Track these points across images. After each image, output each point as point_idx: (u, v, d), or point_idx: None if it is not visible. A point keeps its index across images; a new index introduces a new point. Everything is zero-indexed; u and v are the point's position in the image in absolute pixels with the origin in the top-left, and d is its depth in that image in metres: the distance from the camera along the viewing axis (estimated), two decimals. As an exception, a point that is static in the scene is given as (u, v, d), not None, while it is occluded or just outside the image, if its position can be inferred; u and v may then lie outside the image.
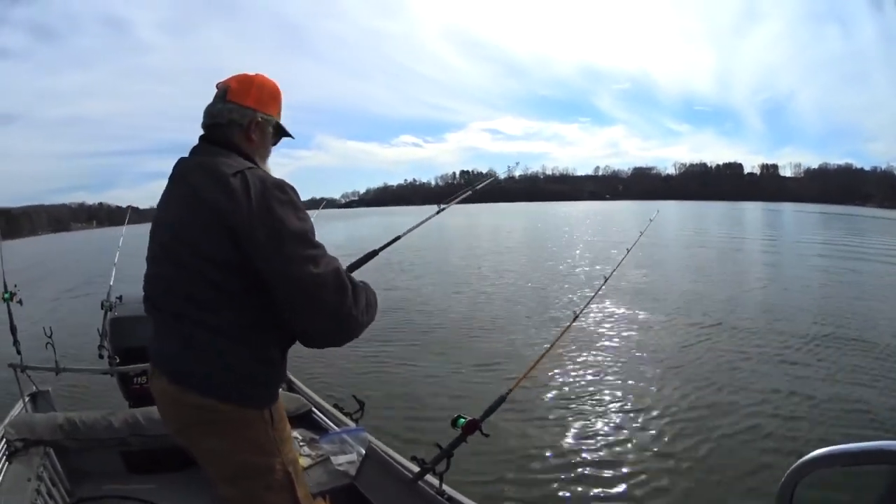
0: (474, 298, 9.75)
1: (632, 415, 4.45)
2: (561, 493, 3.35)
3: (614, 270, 2.49)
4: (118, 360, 2.96)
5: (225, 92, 1.37)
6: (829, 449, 0.67)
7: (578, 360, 5.86)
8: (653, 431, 4.13)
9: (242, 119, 1.37)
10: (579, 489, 3.39)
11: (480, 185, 2.50)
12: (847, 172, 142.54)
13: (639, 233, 2.78)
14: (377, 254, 1.93)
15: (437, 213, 2.27)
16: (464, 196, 2.37)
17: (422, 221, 2.20)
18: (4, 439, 2.11)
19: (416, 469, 1.82)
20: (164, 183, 1.39)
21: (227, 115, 1.35)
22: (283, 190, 1.26)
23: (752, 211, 59.15)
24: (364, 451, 2.07)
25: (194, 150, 1.38)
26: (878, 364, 5.47)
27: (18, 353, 2.77)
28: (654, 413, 4.45)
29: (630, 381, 5.22)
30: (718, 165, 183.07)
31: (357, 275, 1.46)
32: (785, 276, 11.83)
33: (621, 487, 3.40)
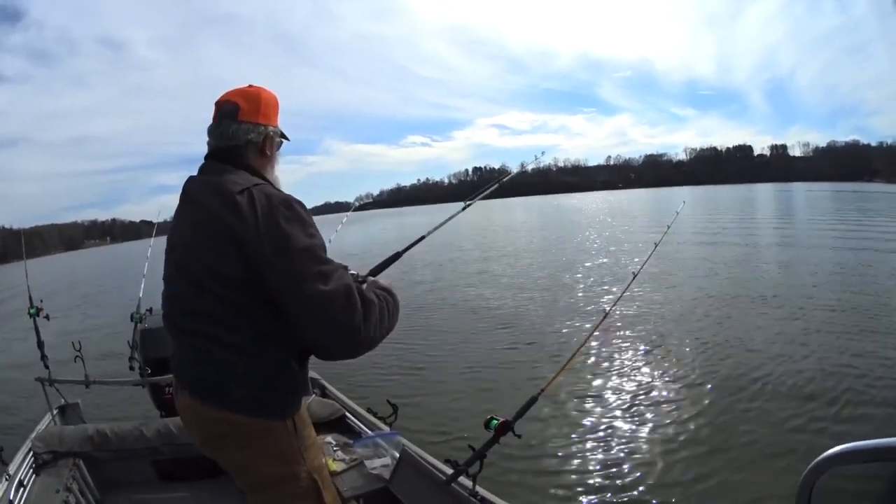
0: (501, 299, 9.64)
1: (662, 412, 4.43)
2: (592, 493, 3.35)
3: (642, 266, 2.42)
4: (149, 371, 2.99)
5: (236, 112, 1.36)
6: (847, 445, 0.66)
7: (610, 357, 5.83)
8: (683, 428, 4.11)
9: (258, 137, 1.38)
10: (611, 488, 3.38)
11: (506, 179, 2.49)
12: (854, 149, 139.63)
13: (665, 226, 2.71)
14: (401, 255, 1.90)
15: (463, 209, 2.24)
16: (491, 189, 2.37)
17: (447, 219, 2.16)
18: (32, 452, 2.14)
19: (449, 471, 1.81)
20: (173, 196, 1.41)
21: (243, 135, 1.36)
22: (290, 206, 1.25)
23: (766, 193, 57.84)
24: (398, 455, 2.07)
25: (202, 169, 1.39)
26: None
27: (46, 367, 2.79)
28: (684, 410, 4.43)
29: (661, 379, 5.19)
30: (729, 149, 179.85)
31: (383, 275, 1.47)
32: (810, 261, 11.43)
33: (651, 483, 3.40)
